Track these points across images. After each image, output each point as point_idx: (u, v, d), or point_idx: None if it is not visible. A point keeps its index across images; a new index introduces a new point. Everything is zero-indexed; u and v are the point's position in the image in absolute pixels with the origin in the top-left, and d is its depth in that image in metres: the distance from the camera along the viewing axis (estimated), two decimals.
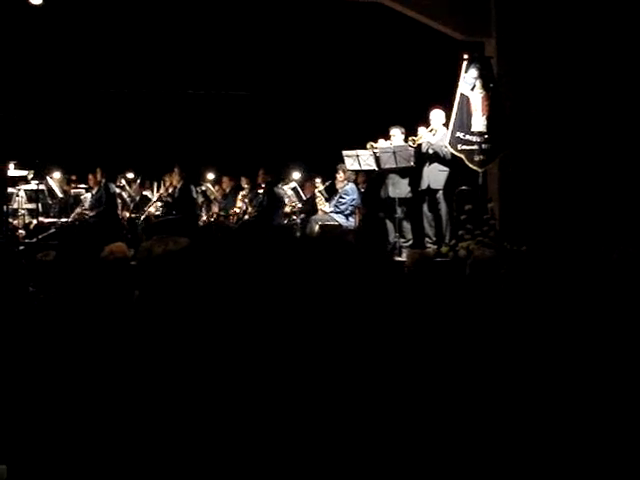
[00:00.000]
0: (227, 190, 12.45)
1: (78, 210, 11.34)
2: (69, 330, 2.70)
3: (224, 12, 12.59)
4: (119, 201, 11.50)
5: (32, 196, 11.22)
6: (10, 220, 10.47)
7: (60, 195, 11.25)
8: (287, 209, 11.54)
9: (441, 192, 9.14)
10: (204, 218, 11.81)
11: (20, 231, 10.95)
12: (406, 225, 9.53)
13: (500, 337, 2.77)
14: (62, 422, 1.93)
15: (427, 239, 9.27)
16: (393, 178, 9.46)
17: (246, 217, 11.25)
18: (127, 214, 11.62)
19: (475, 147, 9.16)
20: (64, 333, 2.62)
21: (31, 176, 10.72)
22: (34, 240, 10.22)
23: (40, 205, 11.24)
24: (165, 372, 1.99)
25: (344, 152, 9.70)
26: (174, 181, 10.98)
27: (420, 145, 9.26)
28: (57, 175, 11.64)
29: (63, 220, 11.11)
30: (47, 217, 11.34)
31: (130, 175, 11.69)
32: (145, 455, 1.86)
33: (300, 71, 13.74)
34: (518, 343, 2.68)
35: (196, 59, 13.59)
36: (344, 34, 13.12)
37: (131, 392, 2.03)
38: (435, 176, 9.17)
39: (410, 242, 9.43)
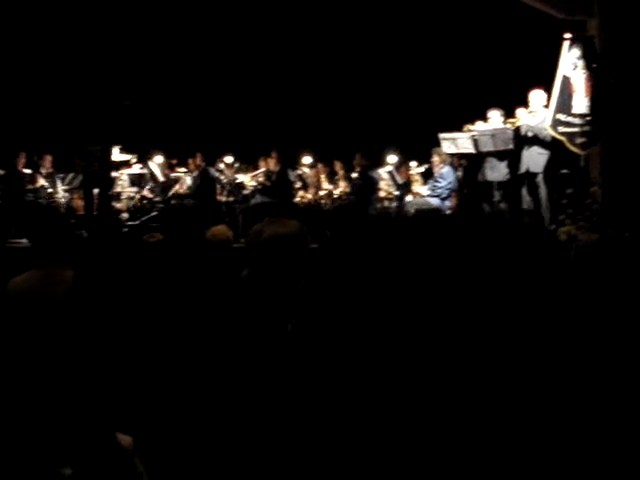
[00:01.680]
0: (322, 174, 12.52)
1: (176, 188, 11.63)
2: (182, 308, 2.80)
3: None
4: (217, 185, 11.73)
5: (134, 180, 11.58)
6: (113, 203, 10.84)
7: (161, 179, 11.55)
8: (382, 193, 11.53)
9: (541, 175, 8.95)
10: (300, 201, 11.92)
11: (123, 214, 11.33)
12: (504, 209, 9.40)
13: (604, 322, 2.73)
14: (184, 394, 2.01)
15: None
16: (491, 161, 9.33)
17: (339, 201, 11.31)
18: (225, 197, 11.85)
19: (577, 129, 8.93)
20: (179, 311, 2.72)
21: (134, 160, 11.04)
22: (137, 222, 10.56)
23: (142, 189, 11.60)
24: (277, 347, 2.04)
25: (441, 135, 9.61)
26: (271, 165, 11.11)
27: (519, 127, 9.08)
28: (159, 159, 11.94)
29: (164, 203, 11.44)
30: (149, 200, 11.68)
31: (229, 159, 11.89)
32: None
33: (397, 53, 13.67)
34: (621, 329, 2.64)
35: (292, 41, 13.71)
36: (442, 15, 12.98)
37: (242, 367, 2.09)
38: (534, 159, 8.99)
39: None
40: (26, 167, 11.35)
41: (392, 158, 12.29)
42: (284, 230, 2.31)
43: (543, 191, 8.95)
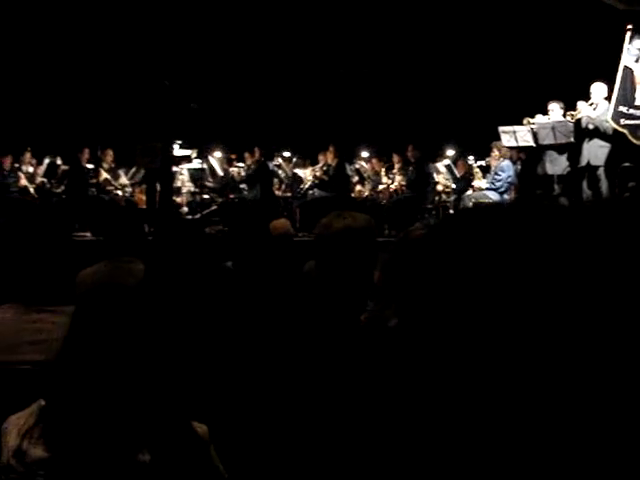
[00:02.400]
0: (379, 168, 12.53)
1: (234, 183, 11.79)
2: (248, 300, 2.86)
3: None
4: (275, 179, 11.84)
5: (194, 175, 11.75)
6: (173, 197, 11.02)
7: (221, 174, 11.69)
8: (439, 187, 11.49)
9: (602, 169, 8.83)
10: (357, 195, 11.96)
11: (183, 208, 11.52)
12: (564, 203, 9.28)
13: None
14: (254, 386, 2.07)
15: None
16: (551, 154, 9.24)
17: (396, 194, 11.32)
18: (282, 191, 11.97)
19: (639, 122, 8.79)
20: (243, 304, 2.78)
21: (194, 155, 11.21)
22: (197, 216, 10.73)
23: (201, 183, 11.77)
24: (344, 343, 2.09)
25: (500, 128, 9.55)
26: (329, 159, 11.17)
27: (580, 120, 8.97)
28: (218, 154, 12.10)
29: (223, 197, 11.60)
30: (208, 194, 11.84)
31: (286, 154, 11.99)
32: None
33: (457, 45, 13.59)
34: None
35: (351, 38, 13.74)
36: (502, 6, 12.86)
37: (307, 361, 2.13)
38: (595, 152, 8.86)
39: None
40: (89, 162, 11.60)
41: (450, 151, 12.24)
42: (353, 223, 2.35)
43: (604, 185, 8.82)
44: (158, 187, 9.82)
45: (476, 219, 0.71)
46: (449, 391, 0.65)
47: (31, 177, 11.68)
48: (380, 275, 1.92)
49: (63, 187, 11.46)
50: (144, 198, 11.68)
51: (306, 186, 11.45)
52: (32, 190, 11.49)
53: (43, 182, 11.68)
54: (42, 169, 11.77)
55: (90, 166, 11.54)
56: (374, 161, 12.56)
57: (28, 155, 11.83)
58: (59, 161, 11.78)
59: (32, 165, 11.84)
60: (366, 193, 12.03)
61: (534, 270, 0.62)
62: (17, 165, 11.68)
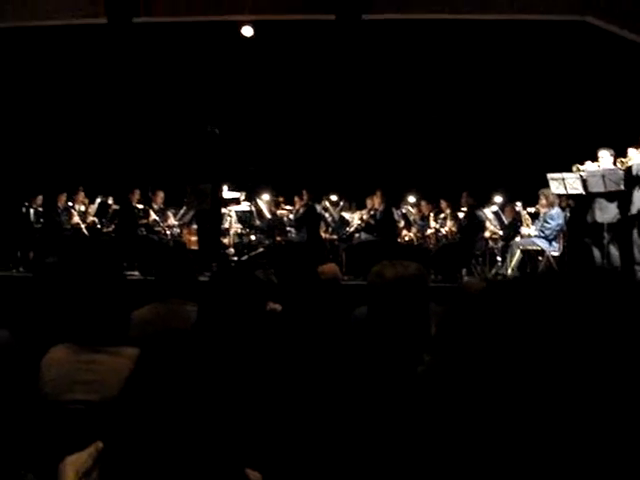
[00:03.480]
0: (426, 213, 12.54)
1: (281, 225, 11.88)
2: (297, 345, 2.87)
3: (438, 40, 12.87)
4: (322, 222, 11.89)
5: (242, 217, 11.87)
6: (221, 239, 11.12)
7: (268, 216, 11.79)
8: (487, 233, 11.44)
9: None
10: (404, 239, 11.97)
11: (230, 249, 11.62)
12: (614, 251, 9.16)
13: None
14: (305, 432, 2.08)
15: (637, 266, 8.86)
16: (600, 202, 9.14)
17: (445, 240, 11.31)
18: (329, 234, 12.02)
19: None
20: (293, 348, 2.79)
21: (243, 197, 11.33)
22: (244, 258, 10.81)
23: (249, 225, 11.87)
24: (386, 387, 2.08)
25: (549, 175, 9.49)
26: (376, 203, 11.21)
27: (630, 167, 8.88)
28: (266, 197, 12.22)
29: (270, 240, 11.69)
30: (255, 236, 11.94)
31: (334, 197, 12.07)
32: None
33: (506, 92, 13.63)
34: None
35: (403, 84, 13.89)
36: (549, 53, 12.89)
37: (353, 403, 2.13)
38: None
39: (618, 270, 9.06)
40: (139, 202, 11.79)
41: (497, 198, 12.20)
42: (405, 272, 2.36)
43: None
44: (207, 228, 9.96)
45: (533, 287, 0.72)
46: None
47: (83, 215, 11.91)
48: (436, 328, 1.92)
49: (113, 226, 11.65)
50: (192, 239, 11.85)
51: (352, 229, 11.49)
52: (84, 228, 11.72)
53: (94, 221, 11.90)
54: (94, 208, 12.00)
55: (140, 206, 11.72)
56: (423, 205, 12.57)
57: (82, 194, 12.09)
58: (110, 201, 12.01)
59: (84, 204, 12.09)
60: (413, 238, 12.03)
61: (573, 342, 0.64)
62: (70, 203, 11.93)
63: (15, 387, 2.92)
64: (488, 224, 11.32)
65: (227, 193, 10.72)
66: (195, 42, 13.32)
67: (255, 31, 12.16)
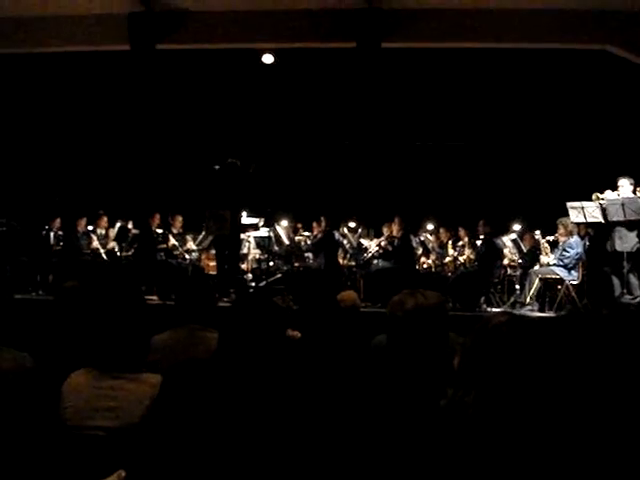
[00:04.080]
0: (444, 240, 12.51)
1: (300, 251, 11.88)
2: (317, 373, 2.87)
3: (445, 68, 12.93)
4: (340, 248, 11.89)
5: (260, 242, 11.89)
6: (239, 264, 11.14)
7: (287, 242, 11.80)
8: (505, 261, 11.39)
9: None
10: (422, 267, 11.93)
11: (248, 275, 11.63)
12: (634, 281, 9.10)
13: None
14: (322, 460, 2.07)
15: None
16: (620, 231, 9.11)
17: (462, 267, 11.28)
18: (347, 261, 12.01)
19: None
20: (313, 376, 2.79)
21: (261, 223, 11.36)
22: (262, 284, 10.82)
23: (267, 250, 11.89)
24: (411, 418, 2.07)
25: (569, 204, 9.46)
26: (394, 231, 11.19)
27: None
28: (284, 223, 12.24)
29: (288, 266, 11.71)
30: (273, 262, 11.94)
31: (352, 224, 12.08)
32: None
33: (524, 120, 13.65)
34: None
35: (422, 113, 13.95)
36: (569, 82, 12.92)
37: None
38: None
39: (638, 299, 8.99)
40: (159, 227, 11.84)
41: (516, 226, 12.16)
42: (425, 301, 2.36)
43: None
44: (225, 253, 10.00)
45: (560, 327, 0.73)
46: None
47: (104, 240, 11.99)
48: (459, 361, 1.91)
49: (133, 250, 11.71)
50: (210, 264, 11.88)
51: (369, 255, 11.47)
52: (103, 252, 11.79)
53: (114, 247, 11.98)
54: (114, 232, 12.07)
55: (160, 231, 11.77)
56: (441, 232, 12.55)
57: (105, 218, 12.19)
58: (130, 225, 12.07)
59: (105, 228, 12.18)
60: (431, 265, 12.00)
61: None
62: (91, 227, 12.01)
63: (36, 410, 2.93)
64: (506, 252, 11.28)
65: (246, 219, 10.75)
66: (216, 69, 13.46)
67: (275, 58, 12.28)
